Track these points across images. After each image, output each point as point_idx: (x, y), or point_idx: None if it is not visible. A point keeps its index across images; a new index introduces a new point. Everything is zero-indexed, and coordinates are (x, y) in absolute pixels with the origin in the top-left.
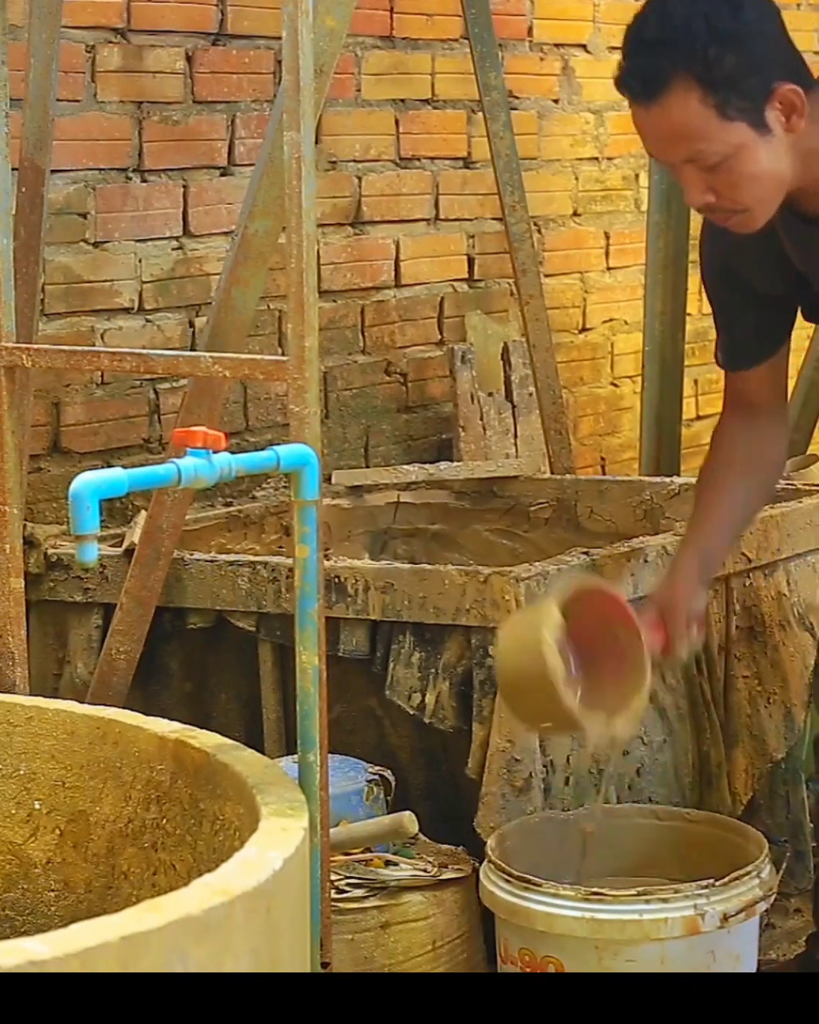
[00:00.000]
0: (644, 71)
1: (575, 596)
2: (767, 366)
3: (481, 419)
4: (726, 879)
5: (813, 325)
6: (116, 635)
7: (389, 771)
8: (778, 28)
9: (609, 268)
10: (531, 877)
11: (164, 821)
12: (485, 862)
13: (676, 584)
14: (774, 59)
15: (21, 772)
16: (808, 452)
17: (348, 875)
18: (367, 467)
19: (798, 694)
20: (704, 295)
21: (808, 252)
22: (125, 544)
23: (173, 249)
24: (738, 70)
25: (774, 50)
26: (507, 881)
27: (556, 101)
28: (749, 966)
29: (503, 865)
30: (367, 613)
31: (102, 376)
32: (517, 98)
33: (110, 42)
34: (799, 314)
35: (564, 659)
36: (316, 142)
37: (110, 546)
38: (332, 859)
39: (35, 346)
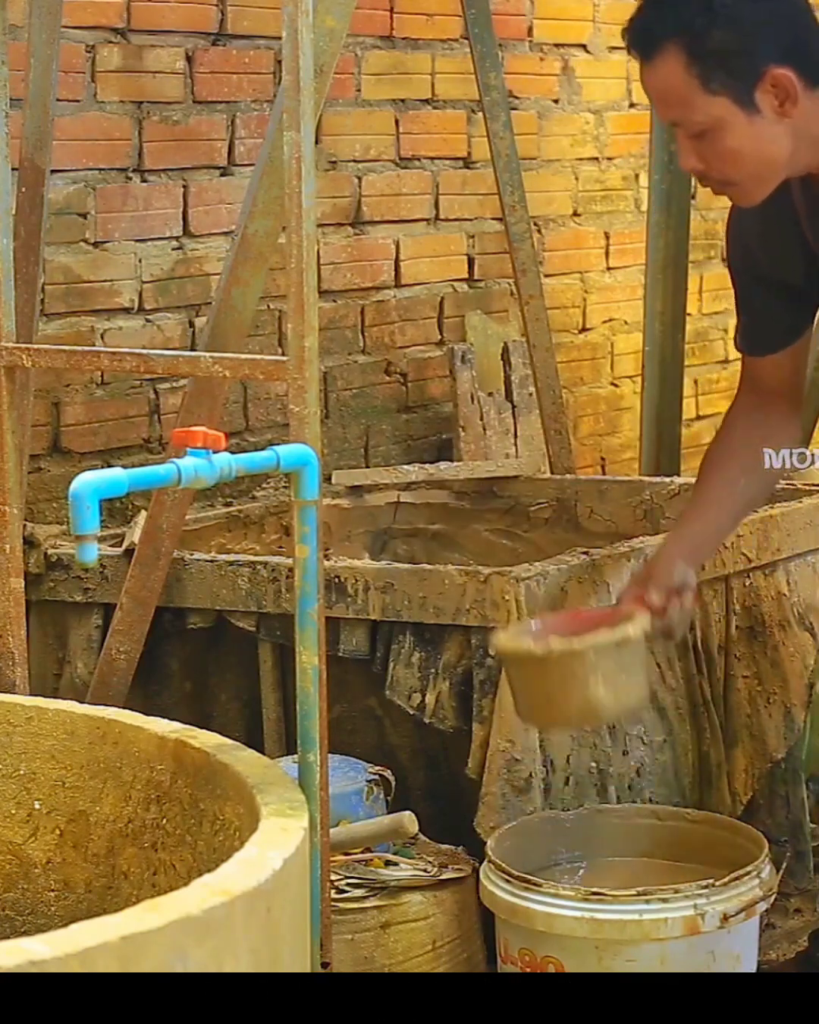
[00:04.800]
0: (642, 30)
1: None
2: (784, 354)
3: (481, 419)
4: (726, 879)
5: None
6: (116, 635)
7: (389, 771)
8: (795, 13)
9: (609, 268)
10: (531, 877)
11: (164, 821)
12: (485, 862)
13: (655, 559)
14: (774, 42)
15: (21, 772)
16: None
17: (348, 875)
18: (367, 467)
19: (798, 694)
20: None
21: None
22: (125, 544)
23: (173, 249)
24: (727, 47)
25: (777, 34)
26: (507, 881)
27: (556, 101)
28: (749, 966)
29: (503, 865)
30: (367, 613)
31: (102, 376)
32: (517, 98)
33: (110, 42)
34: None
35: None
36: (316, 142)
37: (110, 546)
38: (332, 859)
39: (35, 346)
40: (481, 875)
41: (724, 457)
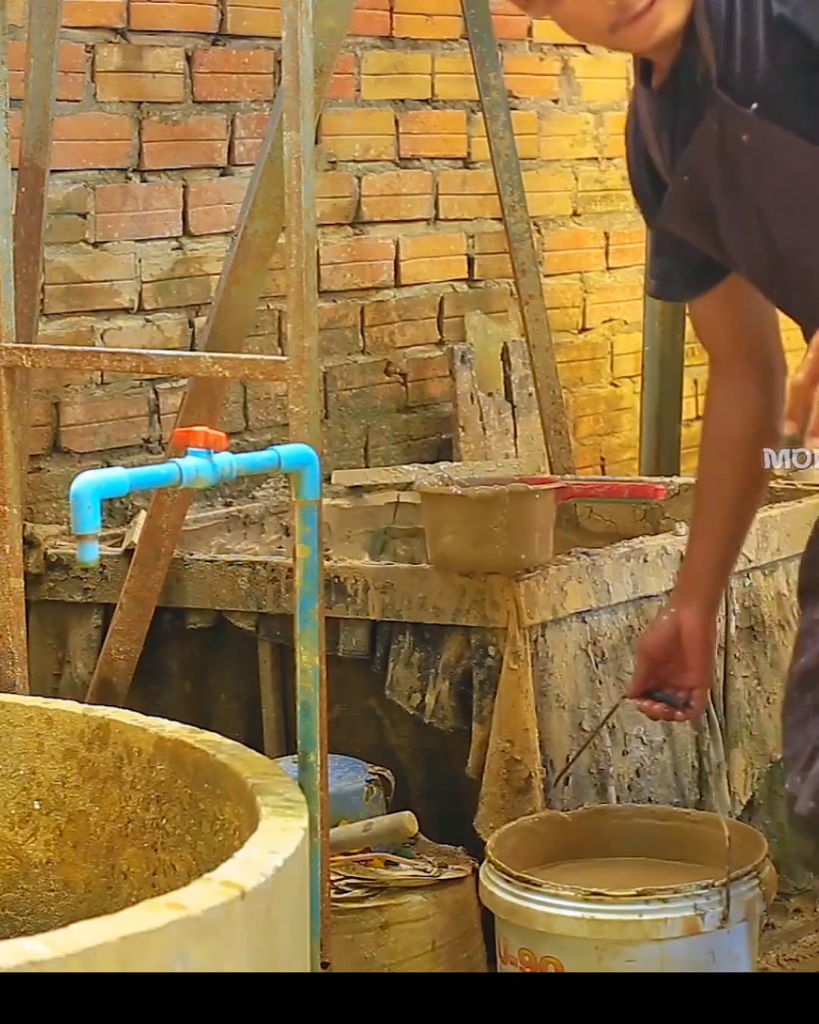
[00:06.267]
0: None
1: None
2: (712, 301)
3: (481, 419)
4: (726, 879)
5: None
6: (116, 635)
7: (389, 771)
8: None
9: (609, 268)
10: (531, 877)
11: (164, 821)
12: (485, 862)
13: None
14: None
15: (21, 772)
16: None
17: (348, 875)
18: (367, 467)
19: None
20: None
21: (658, 131)
22: (125, 544)
23: (173, 249)
24: None
25: None
26: (507, 881)
27: (556, 101)
28: (749, 966)
29: (503, 865)
30: (367, 613)
31: (102, 376)
32: (517, 98)
33: (110, 42)
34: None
35: None
36: (316, 142)
37: (110, 546)
38: (332, 859)
39: (35, 346)
40: (481, 875)
41: (716, 468)
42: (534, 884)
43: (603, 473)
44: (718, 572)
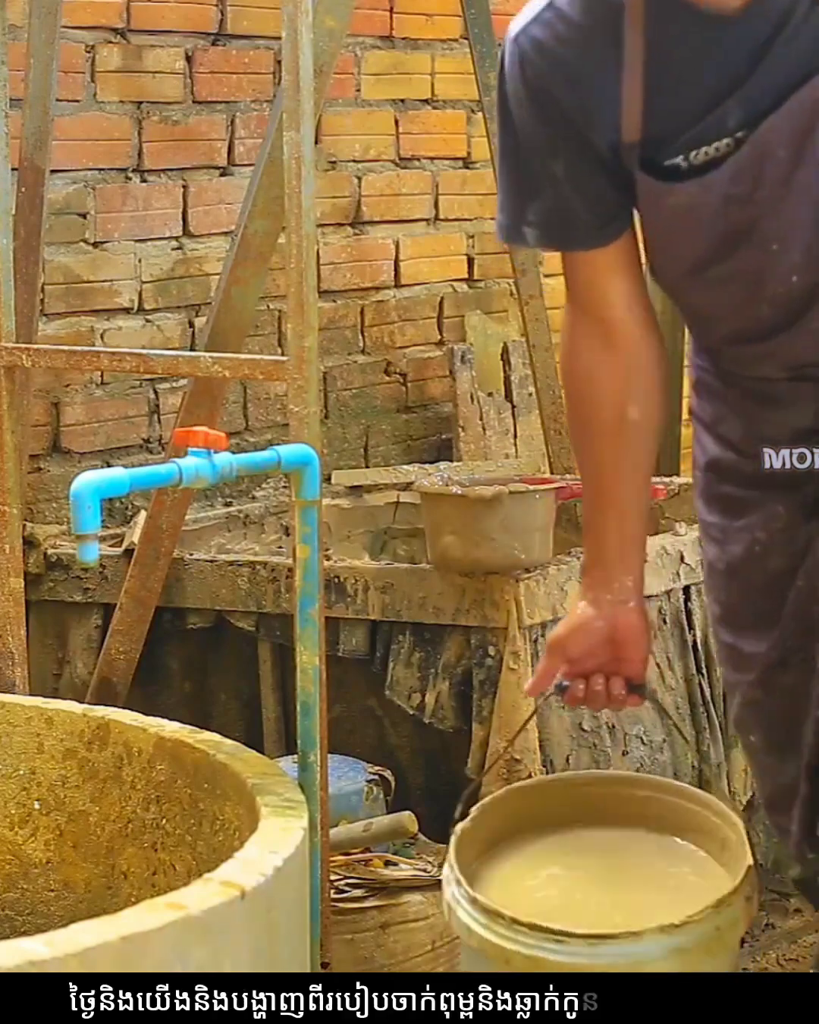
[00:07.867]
0: None
1: None
2: (618, 252)
3: (481, 419)
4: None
5: None
6: (116, 635)
7: (389, 771)
8: None
9: None
10: (495, 908)
11: (164, 821)
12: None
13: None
14: None
15: (21, 772)
16: None
17: (348, 875)
18: (367, 467)
19: None
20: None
21: (694, 60)
22: (125, 544)
23: (173, 249)
24: None
25: None
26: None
27: None
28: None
29: (482, 900)
30: (367, 613)
31: (102, 376)
32: None
33: (110, 42)
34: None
35: None
36: (316, 142)
37: (110, 546)
38: (332, 859)
39: (35, 346)
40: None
41: (615, 447)
42: (497, 915)
43: None
44: (636, 558)
